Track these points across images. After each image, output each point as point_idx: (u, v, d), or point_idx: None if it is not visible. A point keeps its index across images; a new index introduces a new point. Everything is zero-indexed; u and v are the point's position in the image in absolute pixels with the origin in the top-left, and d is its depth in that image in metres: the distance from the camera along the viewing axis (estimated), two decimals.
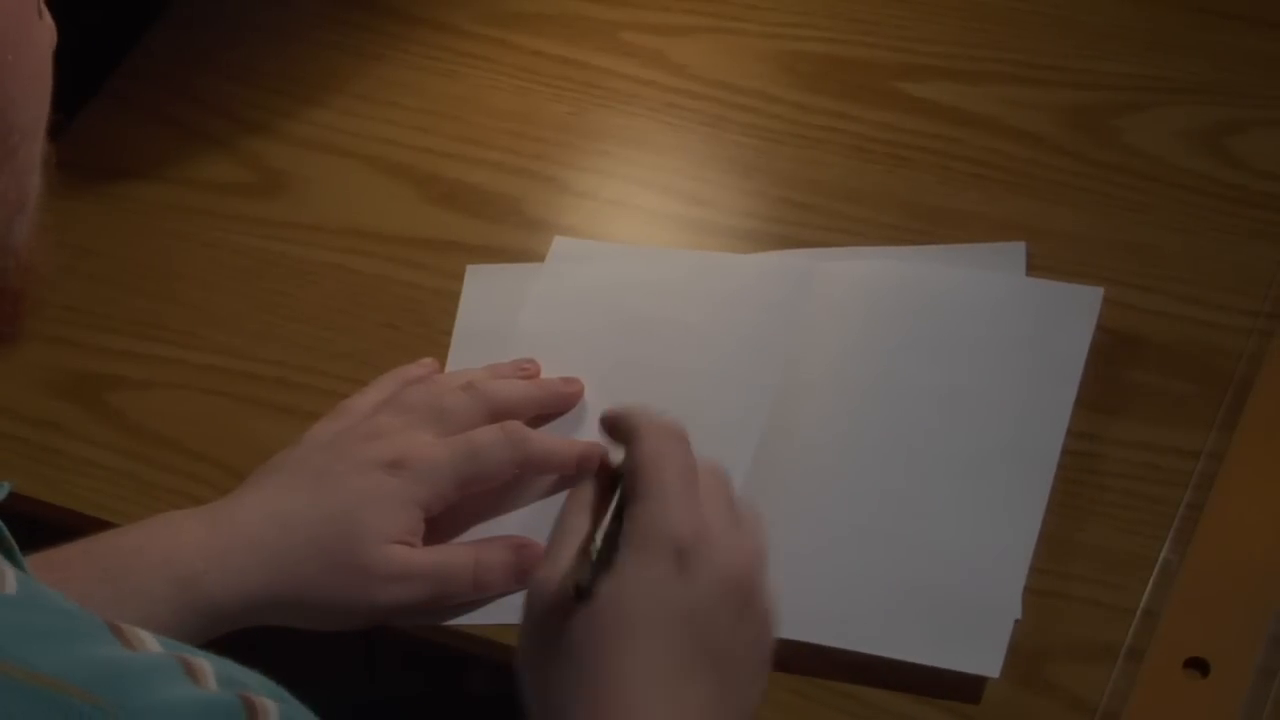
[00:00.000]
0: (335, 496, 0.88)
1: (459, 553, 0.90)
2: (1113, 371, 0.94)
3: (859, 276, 0.99)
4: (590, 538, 0.79)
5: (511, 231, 1.06)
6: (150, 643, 0.56)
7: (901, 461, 0.92)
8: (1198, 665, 0.84)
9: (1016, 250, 0.99)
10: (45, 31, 0.61)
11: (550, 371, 0.98)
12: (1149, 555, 0.88)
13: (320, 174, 1.11)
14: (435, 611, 0.89)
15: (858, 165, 1.06)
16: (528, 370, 0.97)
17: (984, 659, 0.85)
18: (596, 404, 0.96)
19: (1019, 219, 1.01)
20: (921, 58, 1.10)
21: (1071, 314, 0.96)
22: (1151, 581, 0.87)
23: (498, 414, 0.92)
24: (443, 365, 1.00)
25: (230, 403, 1.01)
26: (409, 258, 1.06)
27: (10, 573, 0.56)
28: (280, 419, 1.00)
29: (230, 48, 1.18)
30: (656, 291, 1.02)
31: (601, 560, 0.77)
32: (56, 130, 0.62)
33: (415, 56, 1.16)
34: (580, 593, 0.76)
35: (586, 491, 0.82)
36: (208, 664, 0.56)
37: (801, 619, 0.86)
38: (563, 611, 0.76)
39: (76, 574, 0.84)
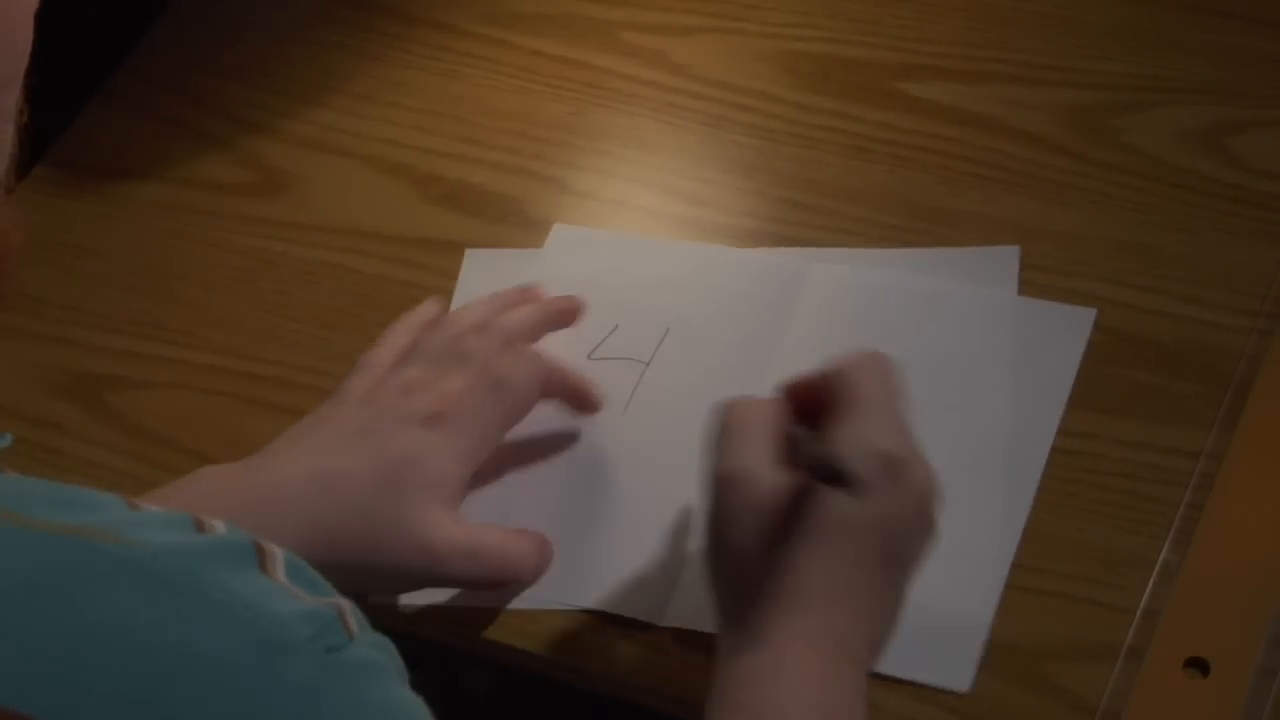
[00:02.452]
0: (379, 456, 0.88)
1: (492, 533, 0.90)
2: (1113, 371, 0.94)
3: (853, 283, 0.99)
4: (790, 442, 0.82)
5: (512, 231, 1.06)
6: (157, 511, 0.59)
7: None
8: (1198, 665, 0.84)
9: (1010, 254, 0.99)
10: None
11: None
12: (1149, 555, 0.88)
13: (320, 174, 1.11)
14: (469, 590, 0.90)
15: (858, 165, 1.06)
16: (530, 294, 0.98)
17: (955, 674, 0.85)
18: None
19: (1019, 219, 1.01)
20: (921, 58, 1.10)
21: (1063, 334, 0.95)
22: (1151, 581, 0.87)
23: (514, 345, 0.93)
24: None
25: (230, 403, 1.01)
26: (409, 258, 1.06)
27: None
28: (280, 419, 0.99)
29: (230, 48, 1.18)
30: (651, 283, 1.02)
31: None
32: (56, 130, 0.62)
33: (415, 56, 1.16)
34: (838, 478, 0.79)
35: (757, 401, 0.84)
36: (220, 523, 0.59)
37: None
38: (795, 497, 0.80)
39: None
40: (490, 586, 0.89)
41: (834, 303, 0.99)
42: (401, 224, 1.07)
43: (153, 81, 1.17)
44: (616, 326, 1.00)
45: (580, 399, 0.95)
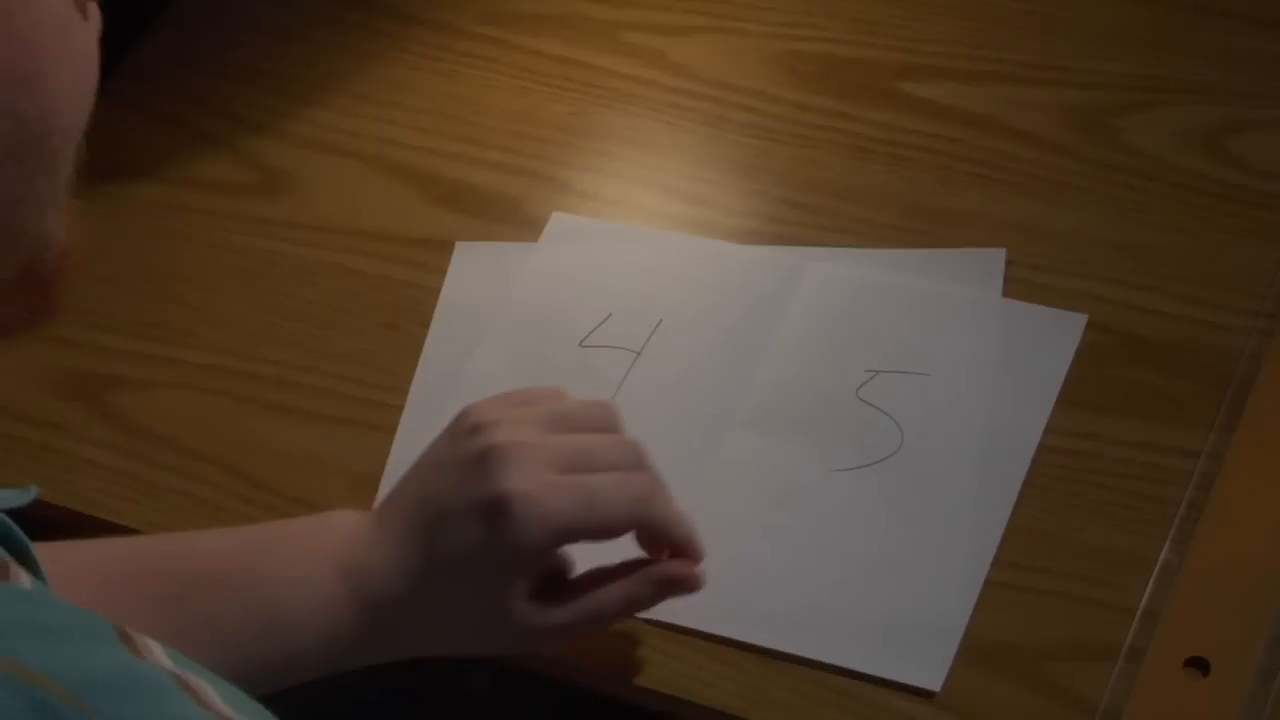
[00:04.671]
0: (447, 553, 0.83)
1: (606, 598, 0.84)
2: (1113, 371, 0.95)
3: (845, 283, 1.00)
4: None
5: (512, 231, 1.06)
6: (159, 655, 0.55)
7: (867, 472, 0.92)
8: (1198, 665, 0.84)
9: (996, 257, 0.99)
10: (89, 30, 0.60)
11: (534, 345, 0.99)
12: (1149, 555, 0.88)
13: (320, 174, 1.11)
14: None
15: (858, 165, 1.06)
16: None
17: (927, 673, 0.85)
18: (577, 381, 0.94)
19: (1019, 219, 1.01)
20: (921, 58, 1.10)
21: (1053, 339, 0.95)
22: (1151, 581, 0.87)
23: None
24: (422, 340, 1.01)
25: (230, 403, 1.01)
26: (409, 258, 1.06)
27: (24, 574, 0.56)
28: (280, 419, 1.00)
29: (230, 48, 1.18)
30: (646, 273, 1.02)
31: None
32: None
33: (415, 56, 1.16)
34: None
35: None
36: (210, 687, 0.54)
37: (756, 621, 0.87)
38: None
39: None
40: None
41: (825, 301, 0.99)
42: (401, 224, 1.07)
43: (153, 81, 1.17)
44: (610, 315, 1.00)
45: (680, 550, 0.85)
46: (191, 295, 1.06)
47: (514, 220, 1.06)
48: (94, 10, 0.60)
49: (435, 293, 1.03)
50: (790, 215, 1.04)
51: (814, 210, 1.04)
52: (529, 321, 1.01)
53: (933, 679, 0.85)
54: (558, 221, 1.05)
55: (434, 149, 1.11)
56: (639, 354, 0.99)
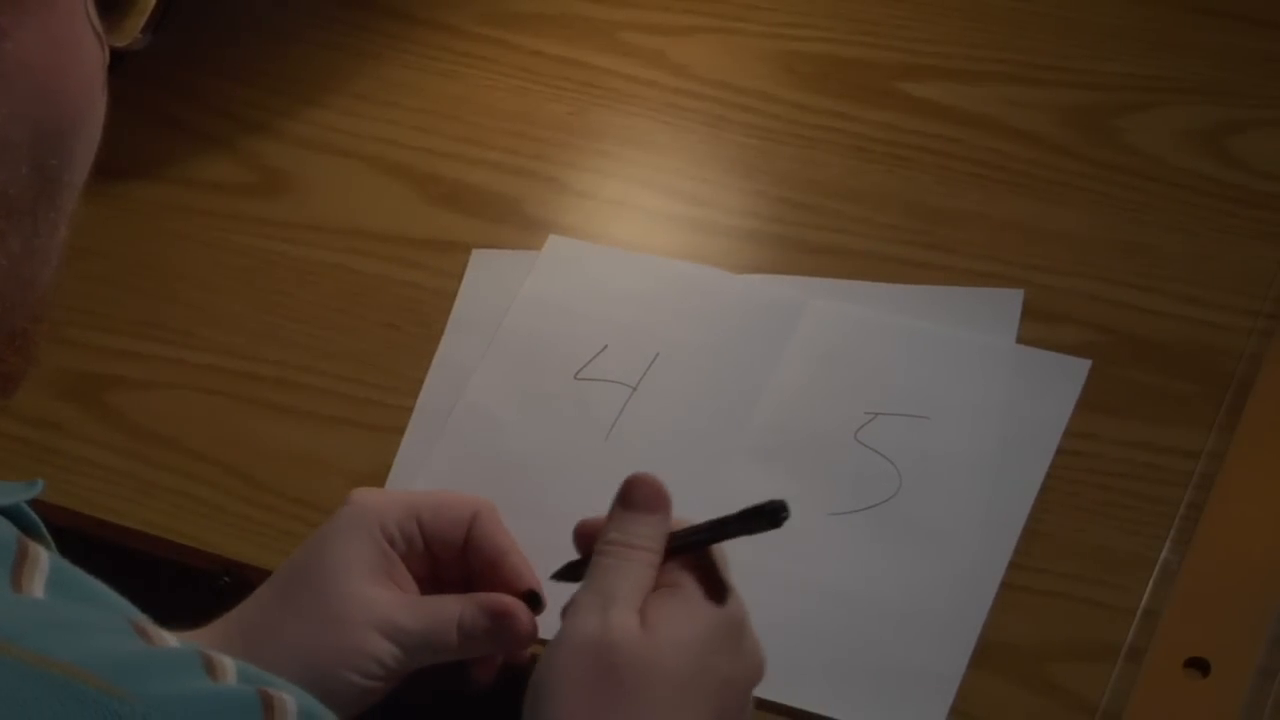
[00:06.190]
0: (301, 548, 0.86)
1: (446, 606, 0.85)
2: (1113, 371, 0.94)
3: (849, 322, 0.98)
4: None
5: (511, 231, 1.06)
6: (170, 640, 0.57)
7: (863, 516, 0.91)
8: (1198, 665, 0.84)
9: (1013, 298, 0.98)
10: (105, 97, 0.64)
11: (529, 377, 0.98)
12: (1149, 555, 0.88)
13: (320, 174, 1.11)
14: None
15: (858, 165, 1.06)
16: None
17: None
18: (572, 415, 0.96)
19: (1019, 219, 1.01)
20: (921, 58, 1.10)
21: (1056, 384, 0.94)
22: (1151, 581, 0.87)
23: None
24: (434, 349, 1.00)
25: (230, 403, 1.01)
26: (409, 258, 1.06)
27: (44, 558, 0.57)
28: (280, 419, 1.00)
29: (230, 48, 1.18)
30: (645, 303, 1.01)
31: None
32: None
33: (415, 56, 1.16)
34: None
35: None
36: (230, 662, 0.56)
37: None
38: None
39: None
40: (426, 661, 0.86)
41: (826, 340, 0.98)
42: (401, 224, 1.07)
43: (153, 81, 1.17)
44: (606, 346, 0.99)
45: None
46: (191, 295, 1.06)
47: (514, 220, 1.06)
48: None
49: (435, 293, 1.03)
50: (790, 215, 1.04)
51: (814, 210, 1.04)
52: (523, 350, 1.00)
53: None
54: (554, 244, 1.04)
55: (434, 149, 1.11)
56: (635, 389, 0.97)
